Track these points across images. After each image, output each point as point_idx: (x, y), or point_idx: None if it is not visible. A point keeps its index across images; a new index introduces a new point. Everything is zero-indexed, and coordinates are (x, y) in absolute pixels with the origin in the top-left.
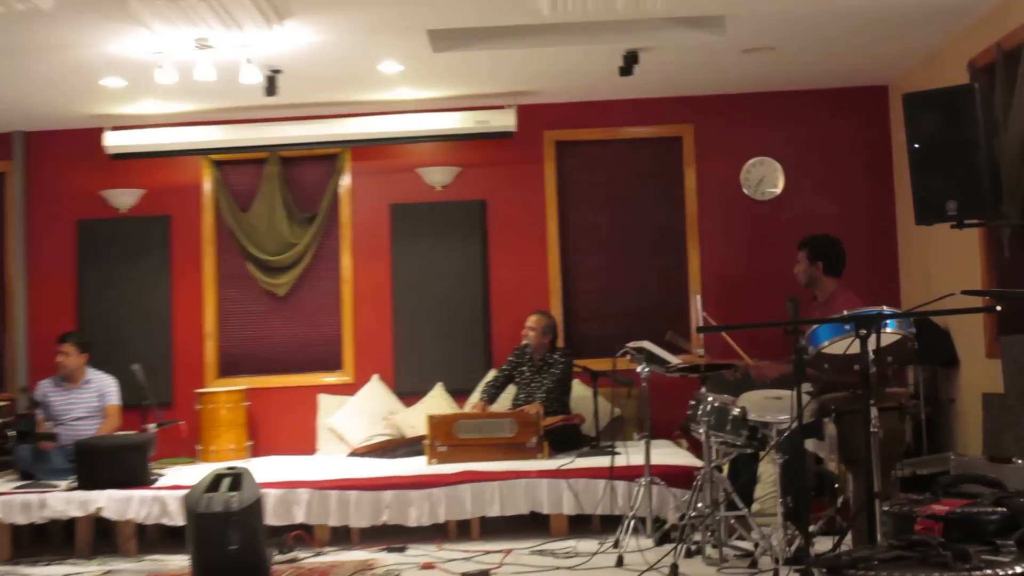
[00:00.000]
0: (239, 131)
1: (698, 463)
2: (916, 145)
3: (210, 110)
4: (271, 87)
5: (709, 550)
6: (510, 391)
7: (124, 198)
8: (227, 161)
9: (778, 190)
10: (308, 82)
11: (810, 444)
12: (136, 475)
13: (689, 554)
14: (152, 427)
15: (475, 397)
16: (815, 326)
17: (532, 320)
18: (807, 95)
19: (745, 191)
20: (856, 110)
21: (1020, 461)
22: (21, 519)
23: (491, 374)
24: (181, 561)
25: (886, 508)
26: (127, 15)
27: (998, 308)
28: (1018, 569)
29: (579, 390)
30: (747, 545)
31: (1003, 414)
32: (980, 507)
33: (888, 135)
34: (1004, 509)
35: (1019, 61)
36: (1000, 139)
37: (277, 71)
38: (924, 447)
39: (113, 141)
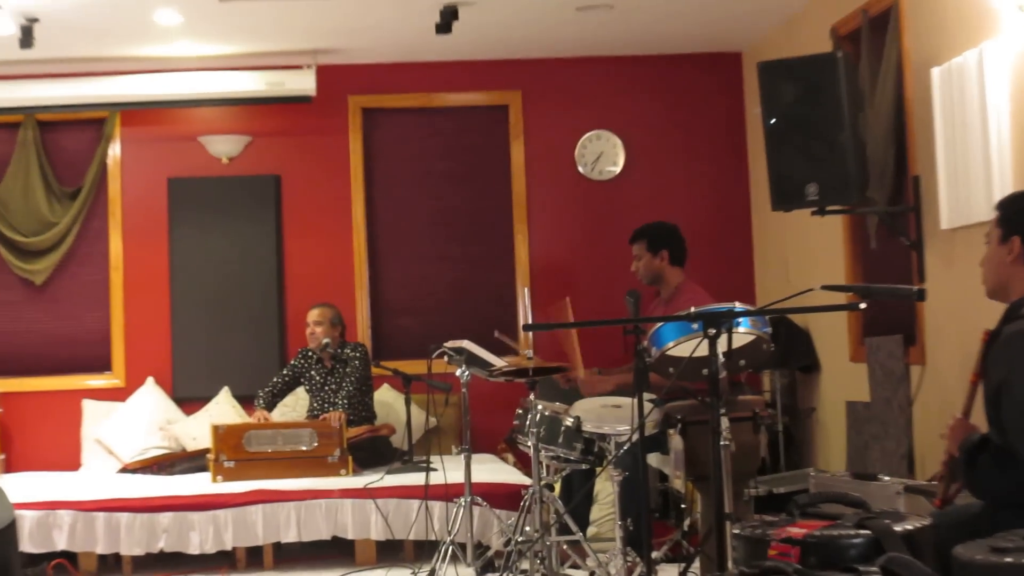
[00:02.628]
0: None
1: (526, 481)
2: (772, 120)
3: None
4: (27, 38)
5: None
6: (302, 400)
7: None
8: None
9: (618, 169)
10: (71, 33)
11: (653, 459)
12: None
13: None
14: None
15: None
16: (658, 325)
17: (315, 314)
18: (651, 61)
19: (580, 169)
20: (706, 80)
21: (887, 478)
22: None
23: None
24: None
25: (737, 531)
26: None
27: (862, 305)
28: None
29: (389, 396)
30: (582, 574)
31: (868, 425)
32: (841, 529)
33: (742, 108)
34: (868, 532)
35: (886, 28)
36: (866, 115)
37: (34, 20)
38: (781, 462)
39: None
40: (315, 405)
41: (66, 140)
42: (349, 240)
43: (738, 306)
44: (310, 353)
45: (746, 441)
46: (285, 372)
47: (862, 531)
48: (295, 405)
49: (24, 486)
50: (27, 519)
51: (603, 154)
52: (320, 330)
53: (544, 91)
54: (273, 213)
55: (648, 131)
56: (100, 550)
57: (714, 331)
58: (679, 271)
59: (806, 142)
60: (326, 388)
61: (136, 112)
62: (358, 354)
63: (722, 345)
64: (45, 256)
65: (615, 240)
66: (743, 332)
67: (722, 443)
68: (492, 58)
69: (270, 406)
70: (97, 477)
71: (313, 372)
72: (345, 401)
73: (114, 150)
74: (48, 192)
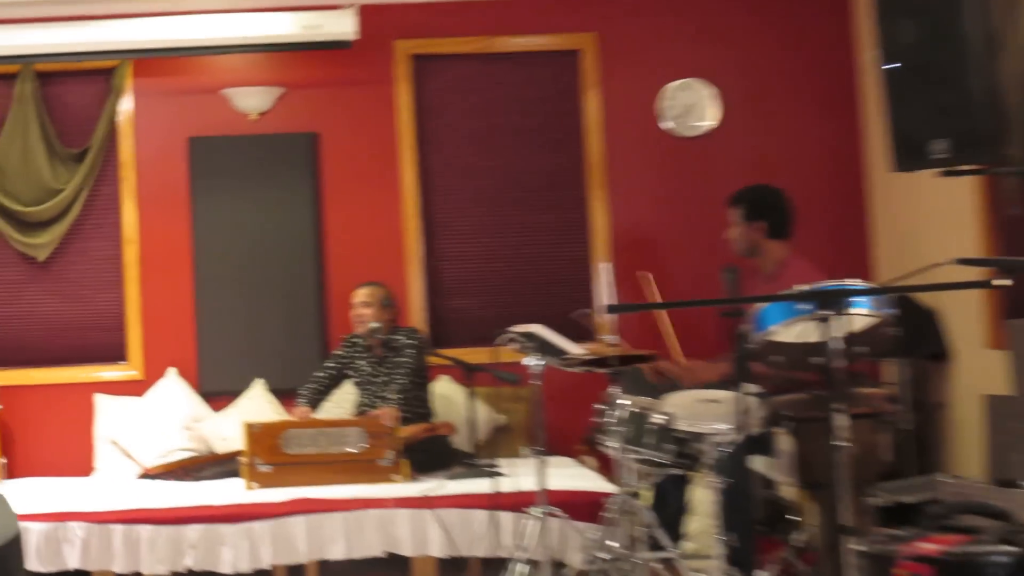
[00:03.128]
0: None
1: (610, 488)
2: (891, 66)
3: None
4: None
5: None
6: (349, 395)
7: None
8: None
9: (710, 123)
10: None
11: (758, 463)
12: None
13: None
14: None
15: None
16: (762, 305)
17: (363, 293)
18: None
19: (666, 124)
20: (813, 18)
21: None
22: None
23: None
24: None
25: (858, 547)
26: None
27: (1004, 282)
28: None
29: (448, 390)
30: None
31: (1011, 422)
32: (982, 546)
33: (855, 52)
34: (1014, 548)
35: None
36: (1005, 56)
37: None
38: (908, 466)
39: None
40: (364, 400)
41: (70, 94)
42: (398, 208)
43: (856, 283)
44: (357, 340)
45: (867, 442)
46: (330, 364)
47: (1007, 547)
48: (340, 400)
49: (29, 494)
50: (34, 532)
51: (693, 106)
52: (368, 312)
53: (623, 33)
54: (310, 177)
55: (745, 79)
56: (118, 568)
57: (828, 312)
58: (782, 244)
59: (932, 91)
60: (376, 380)
61: (150, 61)
62: (413, 341)
63: (838, 329)
64: (48, 228)
65: (708, 206)
66: (862, 314)
67: (839, 444)
68: None
69: (314, 404)
70: (113, 484)
71: (362, 362)
72: (399, 396)
73: (126, 105)
74: (50, 154)
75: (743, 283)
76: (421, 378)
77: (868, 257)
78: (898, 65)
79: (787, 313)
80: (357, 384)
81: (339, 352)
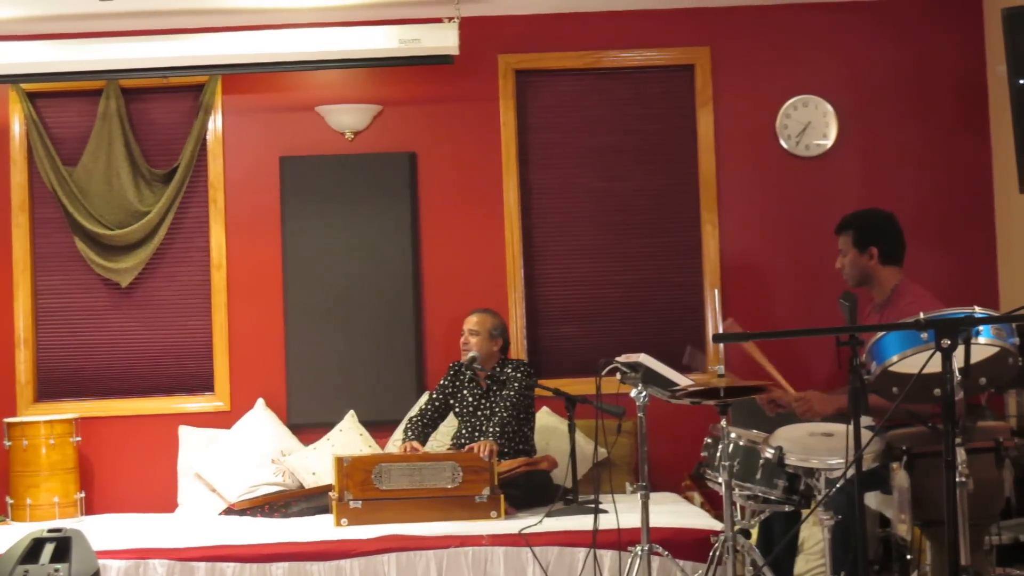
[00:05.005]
0: (62, 49)
1: (717, 526)
2: (1021, 81)
3: (19, 19)
4: None
5: None
6: (450, 424)
7: None
8: (45, 92)
9: (829, 142)
10: None
11: (872, 499)
12: None
13: None
14: None
15: (400, 434)
16: (879, 335)
17: (473, 321)
18: (869, 9)
19: (783, 143)
20: (938, 31)
21: None
22: None
23: (423, 399)
24: None
25: None
26: None
27: None
28: None
29: (549, 422)
30: None
31: None
32: None
33: (983, 66)
34: None
35: None
36: None
37: None
38: None
39: None
40: (463, 432)
41: (157, 111)
42: (500, 231)
43: (978, 311)
44: (468, 365)
45: (987, 477)
46: (435, 395)
47: None
48: (436, 432)
49: (109, 531)
50: (113, 570)
51: (811, 124)
52: (475, 341)
53: (739, 47)
54: (408, 199)
55: (866, 96)
56: None
57: (949, 342)
58: (895, 271)
59: None
60: (479, 413)
61: (241, 77)
62: (519, 373)
63: (959, 359)
64: (132, 253)
65: (825, 230)
66: (984, 343)
67: (958, 480)
68: (674, 6)
69: (422, 437)
70: (197, 519)
71: (466, 392)
72: (497, 429)
73: (215, 123)
74: (135, 175)
75: (860, 310)
76: (526, 414)
77: (994, 284)
78: None
79: (907, 343)
80: (458, 415)
81: (444, 381)
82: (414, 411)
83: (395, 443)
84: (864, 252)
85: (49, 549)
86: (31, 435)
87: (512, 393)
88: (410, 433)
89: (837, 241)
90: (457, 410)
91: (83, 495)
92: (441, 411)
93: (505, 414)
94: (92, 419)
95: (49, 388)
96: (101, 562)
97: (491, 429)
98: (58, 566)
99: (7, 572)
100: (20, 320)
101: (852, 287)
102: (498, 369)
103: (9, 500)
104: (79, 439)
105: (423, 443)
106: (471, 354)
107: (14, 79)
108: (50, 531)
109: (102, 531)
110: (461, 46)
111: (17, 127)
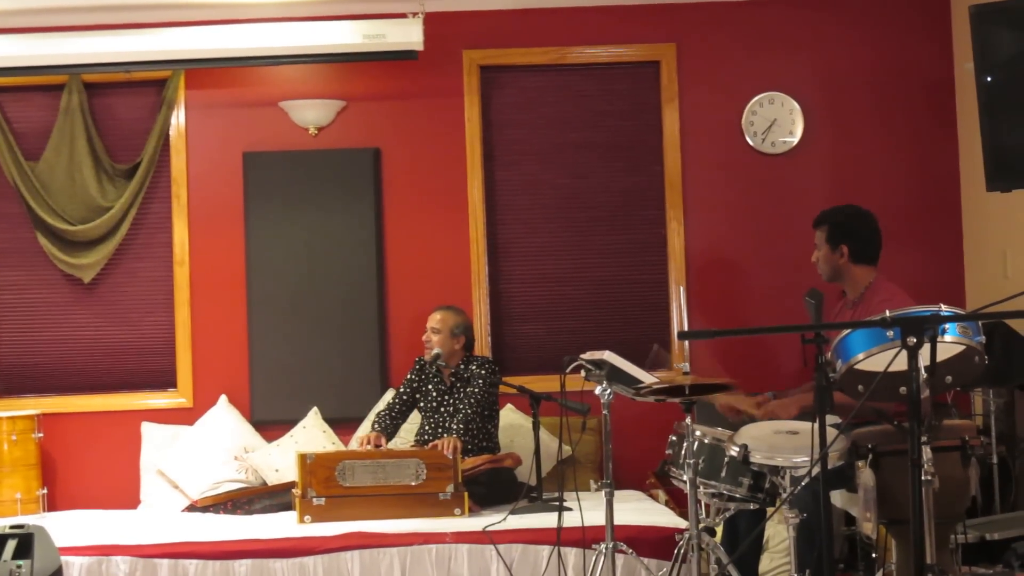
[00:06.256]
0: (24, 43)
1: (681, 523)
2: (988, 78)
3: None
4: None
5: None
6: (414, 420)
7: None
8: (7, 87)
9: (795, 139)
10: None
11: (837, 498)
12: None
13: None
14: None
15: (365, 429)
16: (844, 333)
17: (436, 319)
18: (837, 5)
19: (749, 140)
20: (905, 29)
21: None
22: None
23: (388, 396)
24: None
25: None
26: None
27: None
28: None
29: (513, 419)
30: None
31: None
32: None
33: (950, 64)
34: None
35: None
36: None
37: None
38: (995, 502)
39: None
40: (427, 428)
41: (119, 106)
42: (465, 228)
43: (944, 309)
44: (432, 363)
45: (953, 476)
46: (403, 389)
47: None
48: (401, 429)
49: (72, 527)
50: (76, 567)
51: (777, 121)
52: (436, 339)
53: (705, 44)
54: (372, 195)
55: (832, 93)
56: None
57: (914, 340)
58: (868, 269)
59: None
60: (442, 409)
61: (204, 72)
62: (484, 371)
63: (924, 357)
64: (95, 248)
65: (791, 227)
66: (950, 341)
67: (923, 478)
68: (641, 3)
69: (388, 431)
70: (159, 516)
71: (430, 387)
72: (461, 426)
73: (178, 118)
74: (98, 170)
75: (827, 308)
76: (490, 411)
77: (960, 281)
78: (995, 78)
79: (873, 341)
80: (422, 411)
81: (411, 375)
82: (381, 406)
83: (359, 439)
84: (835, 250)
85: (11, 545)
86: None
87: (476, 390)
88: (378, 427)
89: (814, 235)
90: (421, 405)
91: (45, 491)
92: (409, 405)
93: (469, 411)
94: (54, 415)
95: (11, 384)
96: (64, 558)
97: (455, 426)
98: (20, 562)
99: None
100: None
101: (826, 281)
102: (462, 366)
103: None
104: (41, 435)
105: (391, 437)
106: (435, 351)
107: None
108: (12, 527)
109: (65, 527)
110: (425, 41)
111: None
